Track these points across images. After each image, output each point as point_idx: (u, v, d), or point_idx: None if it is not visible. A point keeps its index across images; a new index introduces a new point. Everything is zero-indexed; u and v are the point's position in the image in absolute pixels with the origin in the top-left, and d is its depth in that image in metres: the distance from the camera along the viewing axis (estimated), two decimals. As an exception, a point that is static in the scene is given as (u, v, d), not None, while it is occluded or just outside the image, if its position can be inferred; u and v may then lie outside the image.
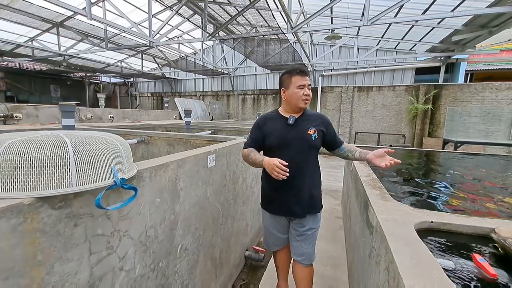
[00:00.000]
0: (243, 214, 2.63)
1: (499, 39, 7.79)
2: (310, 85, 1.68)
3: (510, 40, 7.85)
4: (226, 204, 2.16)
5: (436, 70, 9.65)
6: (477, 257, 0.87)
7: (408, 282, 0.70)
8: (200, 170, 1.69)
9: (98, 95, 10.41)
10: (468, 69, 11.13)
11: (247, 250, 2.75)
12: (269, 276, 2.41)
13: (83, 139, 0.90)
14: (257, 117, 1.86)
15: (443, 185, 2.03)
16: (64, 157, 0.82)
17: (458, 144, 5.98)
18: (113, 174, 0.91)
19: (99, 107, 10.48)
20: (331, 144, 1.76)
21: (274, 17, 5.83)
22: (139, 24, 8.51)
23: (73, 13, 6.98)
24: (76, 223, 0.90)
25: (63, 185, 0.82)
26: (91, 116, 5.78)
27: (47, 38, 8.99)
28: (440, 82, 9.27)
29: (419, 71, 9.99)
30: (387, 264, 0.88)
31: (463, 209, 1.50)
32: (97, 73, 14.45)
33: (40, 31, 8.45)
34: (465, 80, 10.90)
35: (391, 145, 8.49)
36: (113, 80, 16.54)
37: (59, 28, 8.16)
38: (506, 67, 10.84)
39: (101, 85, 16.64)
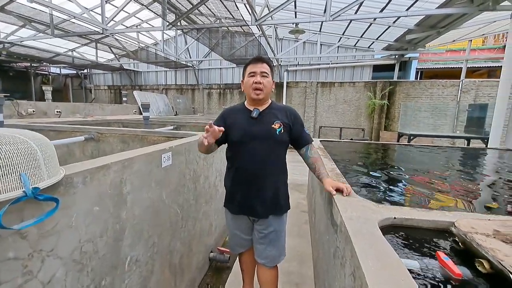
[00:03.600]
0: (206, 214, 2.48)
1: (445, 40, 8.52)
2: (265, 72, 1.51)
3: (454, 41, 8.62)
4: (186, 205, 2.00)
5: (391, 67, 10.29)
6: (442, 255, 0.85)
7: (376, 292, 0.64)
8: (153, 170, 1.51)
9: (44, 88, 9.31)
10: (419, 67, 12.08)
11: (211, 251, 2.62)
12: (234, 278, 2.31)
13: (-20, 139, 0.69)
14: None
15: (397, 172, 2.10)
16: None
17: (412, 137, 6.43)
18: (23, 183, 0.71)
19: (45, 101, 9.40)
20: (296, 141, 1.60)
21: (237, 7, 5.65)
22: (91, 10, 7.75)
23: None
24: (-29, 248, 0.69)
25: None
26: (33, 111, 5.10)
27: (-18, 25, 7.78)
28: (395, 79, 9.91)
29: (376, 68, 10.57)
30: (353, 269, 0.82)
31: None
32: (44, 63, 12.93)
33: (-24, 17, 7.27)
34: (416, 78, 11.81)
35: (352, 139, 8.89)
36: (64, 71, 14.94)
37: (-3, 12, 7.07)
38: (450, 66, 11.95)
39: (50, 76, 14.93)
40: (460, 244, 0.96)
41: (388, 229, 1.07)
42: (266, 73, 1.53)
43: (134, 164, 1.32)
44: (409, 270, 0.78)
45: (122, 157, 1.25)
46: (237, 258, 1.95)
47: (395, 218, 1.10)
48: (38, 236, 0.87)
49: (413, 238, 1.03)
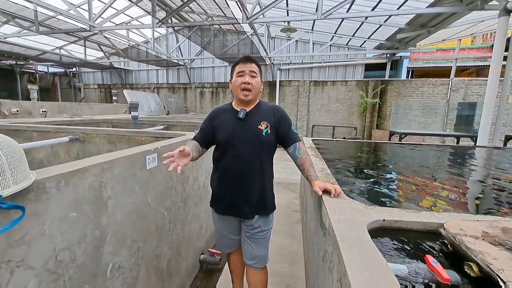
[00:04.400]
0: (195, 216, 2.43)
1: (435, 39, 8.62)
2: (254, 72, 1.48)
3: (444, 40, 8.72)
4: (173, 208, 1.95)
5: (382, 66, 10.37)
6: (430, 259, 0.82)
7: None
8: (136, 173, 1.45)
9: (29, 86, 9.04)
10: (409, 66, 12.22)
11: (202, 253, 2.57)
12: (224, 280, 2.27)
13: None
14: None
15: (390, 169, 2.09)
16: None
17: (403, 136, 6.48)
18: (-18, 191, 0.66)
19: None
20: (283, 140, 1.55)
21: (228, 5, 5.58)
22: (78, 7, 7.55)
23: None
24: None
25: None
26: (17, 111, 4.93)
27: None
28: (386, 77, 9.99)
29: (368, 67, 10.64)
30: (340, 275, 0.79)
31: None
32: (30, 61, 12.58)
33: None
34: (407, 76, 11.95)
35: (344, 137, 8.93)
36: (52, 70, 14.57)
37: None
38: (439, 65, 12.12)
39: (37, 75, 14.55)
40: (449, 246, 0.94)
41: (377, 232, 1.04)
42: (255, 72, 1.50)
43: (115, 167, 1.26)
44: (397, 275, 0.76)
45: (101, 159, 1.19)
46: (227, 258, 1.92)
47: (384, 220, 1.07)
48: (6, 246, 0.81)
49: (402, 241, 1.00)
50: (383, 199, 1.58)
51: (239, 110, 1.53)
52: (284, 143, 1.56)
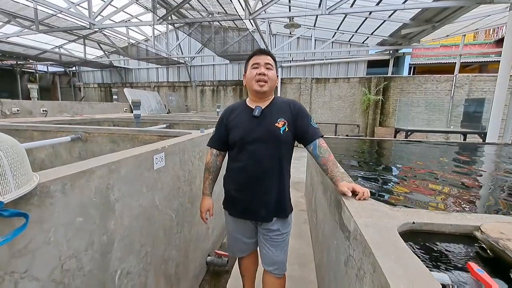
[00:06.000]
0: (202, 217, 2.36)
1: (439, 35, 8.50)
2: (270, 64, 1.40)
3: (447, 36, 8.61)
4: (181, 209, 1.88)
5: (385, 63, 10.26)
6: (474, 267, 0.75)
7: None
8: (144, 173, 1.37)
9: (29, 86, 8.97)
10: (411, 63, 12.08)
11: (208, 255, 2.50)
12: (234, 280, 2.21)
13: None
14: (218, 109, 1.64)
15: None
16: None
17: (409, 133, 6.40)
18: (-20, 197, 0.58)
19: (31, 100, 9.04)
20: (302, 137, 1.44)
21: (231, 0, 5.49)
22: (77, 5, 7.46)
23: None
24: None
25: None
26: (18, 110, 4.86)
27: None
28: (389, 74, 9.87)
29: (370, 64, 10.52)
30: (378, 286, 0.72)
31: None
32: (30, 61, 12.48)
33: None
34: (409, 73, 11.82)
35: (347, 135, 8.85)
36: (52, 69, 14.48)
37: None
38: (441, 62, 11.99)
39: (37, 74, 14.47)
40: (488, 251, 0.87)
41: (407, 235, 0.97)
42: (271, 65, 1.42)
43: (122, 168, 1.18)
44: (441, 284, 0.69)
45: (108, 160, 1.12)
46: (236, 261, 1.85)
47: (413, 223, 1.00)
48: (9, 256, 0.73)
49: (435, 245, 0.93)
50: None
51: (254, 107, 1.45)
52: (303, 140, 1.44)
